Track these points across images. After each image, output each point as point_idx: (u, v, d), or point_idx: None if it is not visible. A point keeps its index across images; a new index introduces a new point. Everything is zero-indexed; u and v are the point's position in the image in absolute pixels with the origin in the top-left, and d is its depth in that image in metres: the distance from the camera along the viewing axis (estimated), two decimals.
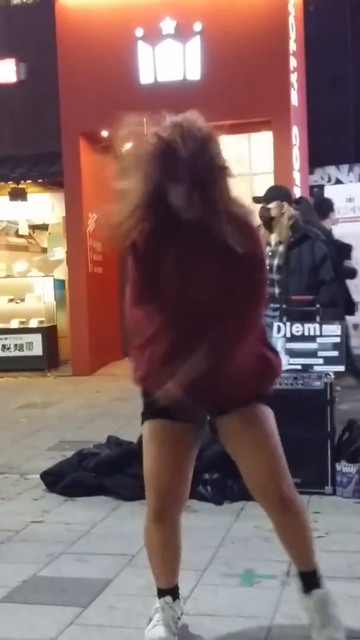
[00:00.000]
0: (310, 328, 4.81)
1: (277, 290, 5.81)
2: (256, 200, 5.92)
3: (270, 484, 2.70)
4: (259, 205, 5.81)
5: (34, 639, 2.85)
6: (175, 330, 2.61)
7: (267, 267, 5.87)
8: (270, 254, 5.89)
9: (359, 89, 15.37)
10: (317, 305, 5.17)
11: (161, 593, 2.83)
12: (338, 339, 4.77)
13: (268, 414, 2.75)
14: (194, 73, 10.20)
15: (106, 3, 10.49)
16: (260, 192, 6.09)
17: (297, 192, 9.75)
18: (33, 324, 11.56)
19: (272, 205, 5.84)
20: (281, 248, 5.86)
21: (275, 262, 5.84)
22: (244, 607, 3.07)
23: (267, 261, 5.89)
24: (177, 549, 2.84)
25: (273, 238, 5.91)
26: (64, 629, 2.92)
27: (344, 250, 7.72)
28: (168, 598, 2.81)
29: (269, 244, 5.94)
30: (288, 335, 4.81)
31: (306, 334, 4.80)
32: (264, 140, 10.35)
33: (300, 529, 2.78)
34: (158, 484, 2.75)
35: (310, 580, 2.78)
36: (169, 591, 2.83)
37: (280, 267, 5.76)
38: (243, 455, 2.75)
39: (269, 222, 5.87)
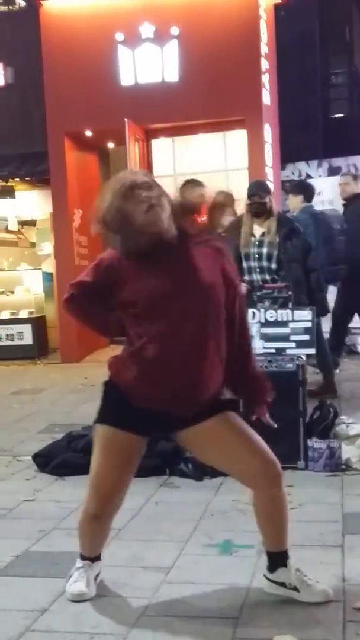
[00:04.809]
0: (283, 314, 4.84)
1: (267, 277, 5.89)
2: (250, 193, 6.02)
3: (268, 470, 2.76)
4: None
5: (28, 609, 2.86)
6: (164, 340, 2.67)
7: (256, 255, 5.94)
8: (257, 243, 5.95)
9: (327, 89, 15.41)
10: (290, 292, 5.21)
11: (84, 557, 3.00)
12: (309, 324, 4.80)
13: (234, 415, 2.79)
14: (172, 75, 10.15)
15: (88, 9, 10.41)
16: (235, 187, 6.16)
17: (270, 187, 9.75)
18: (23, 314, 11.50)
19: (267, 200, 5.94)
20: (267, 238, 5.92)
21: (265, 250, 5.92)
22: (224, 574, 3.09)
23: (254, 250, 5.95)
24: (105, 534, 3.00)
25: (258, 229, 5.97)
26: (55, 599, 2.94)
27: None
28: (88, 561, 2.98)
29: (253, 234, 5.99)
30: (262, 320, 4.84)
31: (279, 319, 4.82)
32: (238, 138, 10.34)
33: (285, 501, 2.85)
34: (101, 486, 2.83)
35: (281, 558, 2.85)
36: (91, 558, 3.00)
37: (270, 255, 5.92)
38: (229, 459, 2.81)
39: (260, 215, 5.94)
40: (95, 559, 3.03)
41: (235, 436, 2.76)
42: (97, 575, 3.02)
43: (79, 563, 3.00)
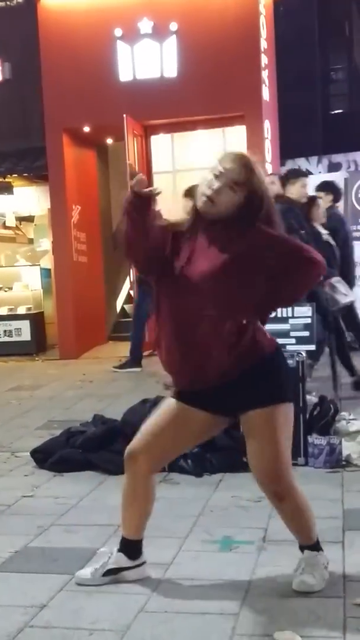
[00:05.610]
0: (283, 310, 4.82)
1: None
2: None
3: (269, 480, 2.83)
4: None
5: (27, 605, 2.86)
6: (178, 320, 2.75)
7: None
8: None
9: (327, 85, 15.39)
10: None
11: (121, 542, 3.01)
12: (309, 320, 4.80)
13: (287, 413, 2.81)
14: (171, 71, 10.14)
15: (86, 4, 10.39)
16: None
17: None
18: (21, 310, 11.50)
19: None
20: None
21: None
22: (223, 571, 3.09)
23: None
24: (137, 502, 2.96)
25: None
26: (55, 594, 2.93)
27: None
28: (115, 548, 3.02)
29: None
30: None
31: (279, 315, 4.81)
32: (237, 134, 10.32)
33: (295, 511, 2.89)
34: (136, 437, 2.92)
35: (305, 547, 2.93)
36: (125, 542, 2.99)
37: None
38: (254, 448, 2.84)
39: None
40: (126, 546, 3.00)
41: (263, 437, 2.78)
42: (117, 570, 2.98)
43: (106, 547, 3.10)
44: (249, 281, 2.71)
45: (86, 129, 10.74)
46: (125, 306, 12.18)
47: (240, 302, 2.72)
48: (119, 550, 3.00)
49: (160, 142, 11.07)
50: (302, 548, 2.94)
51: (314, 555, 2.90)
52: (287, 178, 6.61)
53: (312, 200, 6.84)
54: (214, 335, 2.72)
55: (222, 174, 2.71)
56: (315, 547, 2.93)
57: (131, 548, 3.00)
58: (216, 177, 2.72)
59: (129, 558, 2.99)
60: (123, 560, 2.99)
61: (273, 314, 4.74)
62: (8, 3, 13.81)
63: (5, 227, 13.36)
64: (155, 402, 4.18)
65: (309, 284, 2.90)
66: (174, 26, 10.07)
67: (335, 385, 6.40)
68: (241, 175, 2.71)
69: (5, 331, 11.35)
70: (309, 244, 3.95)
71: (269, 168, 10.31)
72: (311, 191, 8.54)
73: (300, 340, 4.78)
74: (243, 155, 2.77)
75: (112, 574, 2.98)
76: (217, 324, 2.71)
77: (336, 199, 7.44)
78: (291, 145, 11.66)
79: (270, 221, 2.76)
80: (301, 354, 4.66)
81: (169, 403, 2.91)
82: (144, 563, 3.03)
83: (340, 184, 9.71)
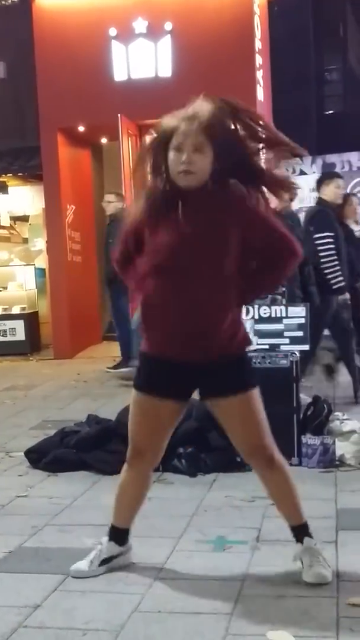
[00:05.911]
0: (277, 310, 4.84)
1: None
2: None
3: (260, 448, 2.90)
4: None
5: (20, 605, 2.85)
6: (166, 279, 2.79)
7: None
8: None
9: (321, 85, 15.42)
10: (284, 289, 5.21)
11: (110, 531, 3.11)
12: (303, 320, 4.81)
13: (257, 396, 2.91)
14: (165, 70, 10.14)
15: (81, 4, 10.38)
16: None
17: None
18: (15, 310, 11.49)
19: None
20: None
21: None
22: (217, 570, 3.09)
23: None
24: (135, 495, 3.08)
25: None
26: (49, 594, 2.93)
27: None
28: (104, 538, 3.11)
29: None
30: (256, 317, 4.83)
31: (273, 315, 4.83)
32: None
33: (285, 484, 2.97)
34: (134, 439, 3.00)
35: (300, 532, 2.98)
36: (115, 530, 3.10)
37: None
38: (236, 429, 2.94)
39: None
40: (116, 535, 3.09)
41: (243, 416, 2.88)
42: (110, 559, 3.08)
43: (94, 539, 3.17)
44: (237, 255, 2.78)
45: (81, 128, 10.74)
46: None
47: (232, 274, 2.78)
48: (110, 539, 3.10)
49: None
50: (298, 535, 2.96)
51: (313, 543, 2.96)
52: (322, 180, 6.59)
53: (345, 198, 6.82)
54: (217, 307, 2.79)
55: (183, 144, 2.74)
56: (309, 532, 2.98)
57: (120, 536, 3.11)
58: (180, 150, 2.74)
59: (119, 545, 3.11)
60: (114, 548, 3.10)
61: (267, 314, 4.82)
62: (3, 2, 13.82)
63: None
64: None
65: (287, 274, 3.03)
66: (168, 26, 10.07)
67: (356, 391, 6.35)
68: (197, 133, 2.74)
69: None
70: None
71: None
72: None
73: (294, 340, 4.79)
74: (190, 116, 2.78)
75: (106, 563, 3.08)
76: (218, 299, 2.78)
77: (292, 198, 7.42)
78: None
79: (256, 179, 2.82)
80: (295, 353, 4.68)
81: (138, 403, 2.95)
82: (129, 549, 3.15)
83: None
